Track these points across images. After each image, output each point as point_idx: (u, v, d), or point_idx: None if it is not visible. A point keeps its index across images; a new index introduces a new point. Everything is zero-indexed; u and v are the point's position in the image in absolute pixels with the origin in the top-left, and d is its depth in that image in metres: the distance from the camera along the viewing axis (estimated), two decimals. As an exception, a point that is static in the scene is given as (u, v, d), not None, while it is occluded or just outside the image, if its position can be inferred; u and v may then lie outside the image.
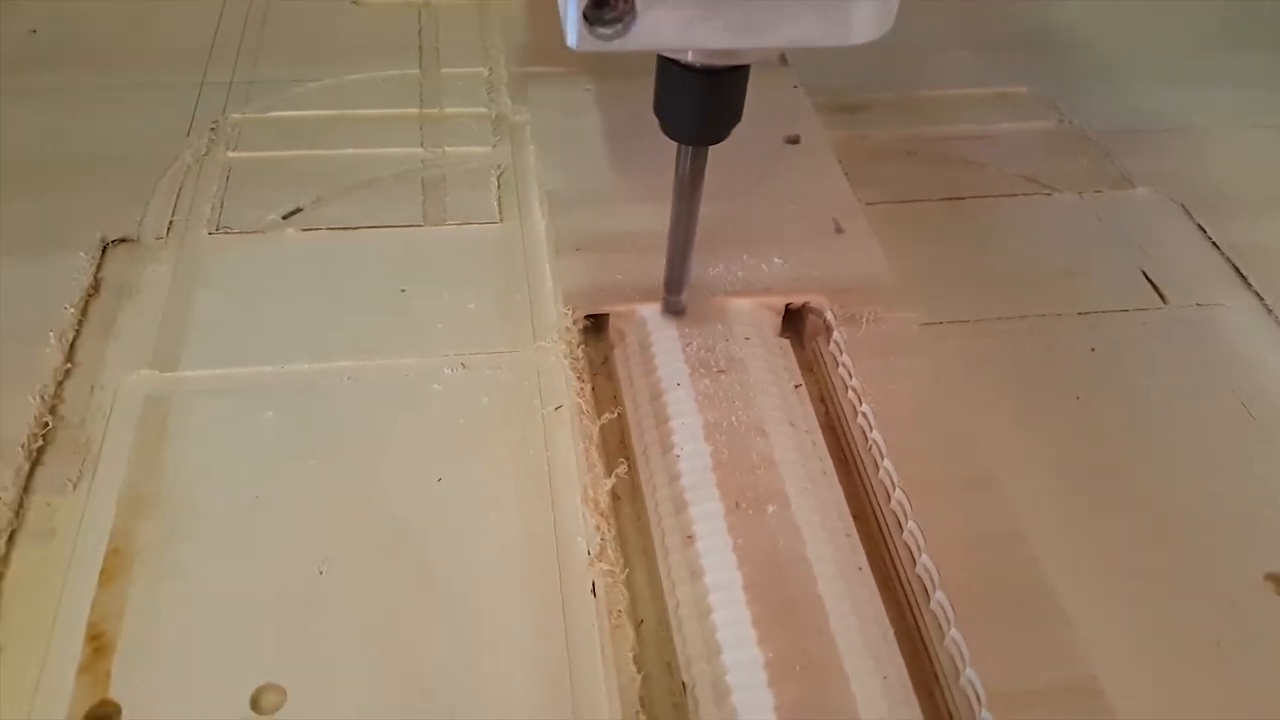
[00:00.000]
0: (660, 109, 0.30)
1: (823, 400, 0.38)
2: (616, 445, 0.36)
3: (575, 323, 0.38)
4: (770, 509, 0.32)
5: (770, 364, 0.37)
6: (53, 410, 0.36)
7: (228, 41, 0.56)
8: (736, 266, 0.40)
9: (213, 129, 0.50)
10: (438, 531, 0.33)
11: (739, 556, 0.30)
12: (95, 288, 0.41)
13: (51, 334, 0.38)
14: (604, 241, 0.40)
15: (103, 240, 0.43)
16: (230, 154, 0.49)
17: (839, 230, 0.42)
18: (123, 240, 0.43)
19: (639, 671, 0.29)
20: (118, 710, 0.29)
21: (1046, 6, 0.65)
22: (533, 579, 0.32)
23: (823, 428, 0.36)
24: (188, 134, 0.50)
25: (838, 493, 0.34)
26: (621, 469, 0.34)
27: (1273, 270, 0.45)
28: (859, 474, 0.35)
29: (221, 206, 0.45)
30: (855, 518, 0.33)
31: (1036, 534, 0.32)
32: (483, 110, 0.52)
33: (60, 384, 0.37)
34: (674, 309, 0.37)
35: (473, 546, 0.33)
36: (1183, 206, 0.48)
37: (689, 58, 0.28)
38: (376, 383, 0.38)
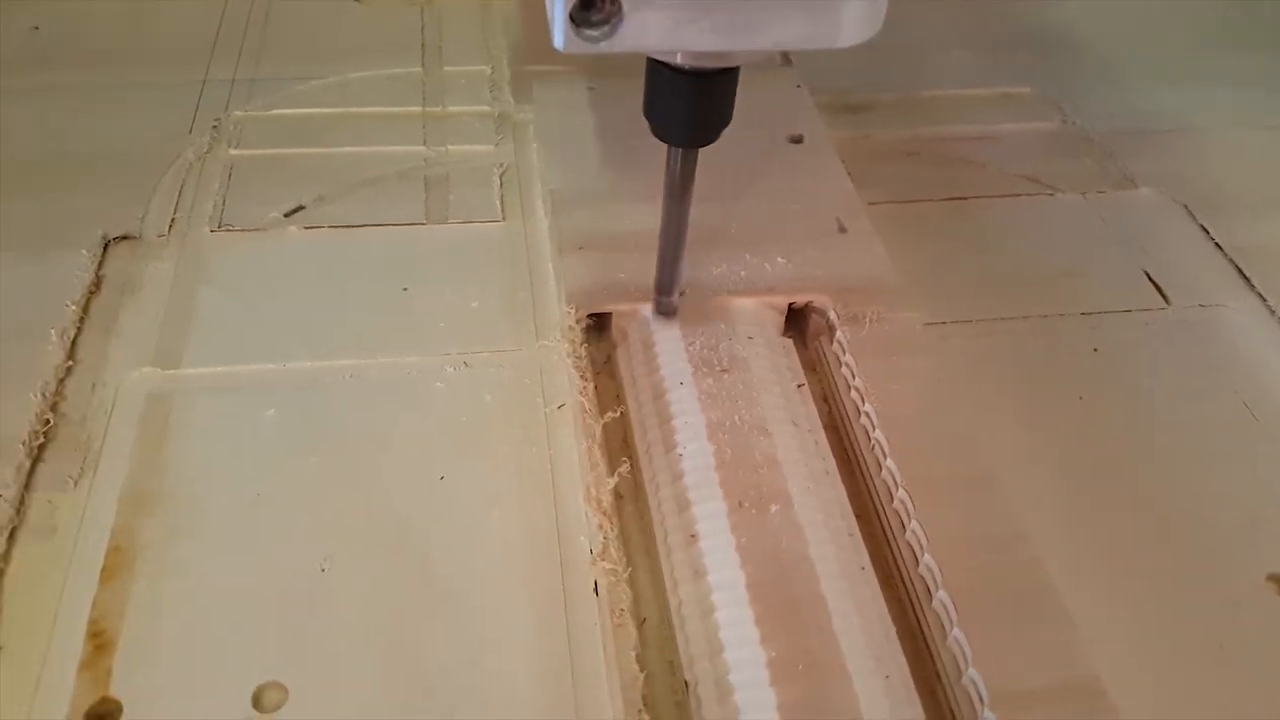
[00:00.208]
0: (650, 111, 0.30)
1: (825, 400, 0.38)
2: (619, 444, 0.36)
3: (578, 321, 0.38)
4: (773, 508, 0.32)
5: (773, 363, 0.37)
6: (54, 407, 0.36)
7: (230, 39, 0.56)
8: (739, 266, 0.40)
9: (215, 127, 0.50)
10: (440, 530, 0.33)
11: (742, 556, 0.30)
12: (97, 285, 0.41)
13: (53, 331, 0.38)
14: (607, 240, 0.40)
15: (105, 238, 0.43)
16: (232, 151, 0.49)
17: (842, 230, 0.42)
18: (125, 238, 0.43)
19: (641, 670, 0.29)
20: (119, 708, 0.29)
21: (1049, 7, 0.65)
22: (535, 577, 0.32)
23: (825, 427, 0.36)
24: (190, 131, 0.50)
25: (840, 492, 0.34)
26: (624, 468, 0.34)
27: (1275, 271, 0.45)
28: (862, 474, 0.35)
29: (224, 204, 0.45)
30: (858, 517, 0.33)
31: (1039, 534, 0.32)
32: (485, 109, 0.52)
33: (62, 381, 0.37)
34: (665, 310, 0.37)
35: (475, 545, 0.33)
36: (1185, 207, 0.48)
37: (678, 60, 0.28)
38: (379, 381, 0.38)
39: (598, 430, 0.35)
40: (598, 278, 0.39)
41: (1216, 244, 0.46)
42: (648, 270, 0.37)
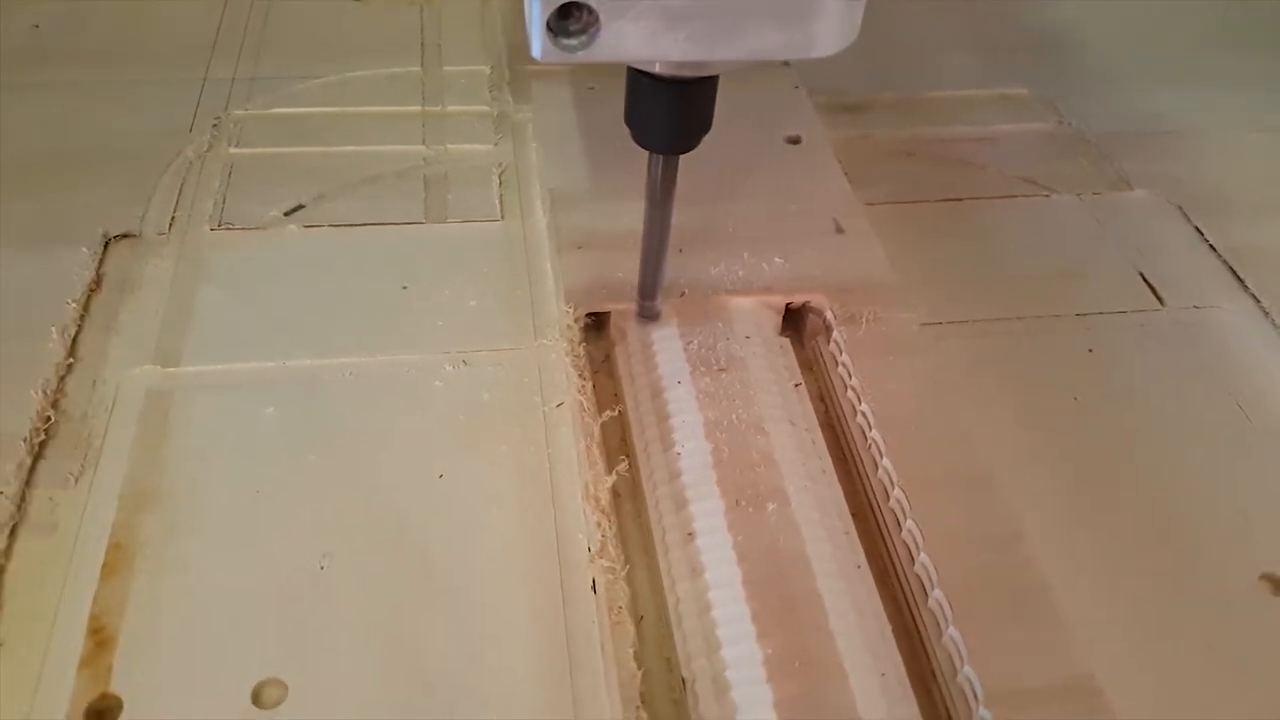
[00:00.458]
0: (631, 118, 0.31)
1: (822, 399, 0.38)
2: (617, 443, 0.36)
3: (576, 320, 0.38)
4: (770, 507, 0.32)
5: (770, 363, 0.37)
6: (55, 405, 0.36)
7: (230, 38, 0.56)
8: (737, 265, 0.40)
9: (215, 125, 0.50)
10: (439, 527, 0.33)
11: (739, 553, 0.31)
12: (97, 283, 0.41)
13: (54, 329, 0.39)
14: (605, 240, 0.40)
15: (105, 236, 0.43)
16: (232, 150, 0.49)
17: (839, 230, 0.42)
18: (125, 236, 0.44)
19: (639, 667, 0.30)
20: (119, 704, 0.29)
21: (1046, 9, 0.65)
22: (533, 575, 0.32)
23: (822, 426, 0.36)
24: (190, 130, 0.50)
25: (837, 491, 0.34)
26: (622, 466, 0.34)
27: (1269, 272, 0.45)
28: (858, 472, 0.35)
29: (223, 203, 0.46)
30: (854, 516, 0.34)
31: (1034, 533, 0.32)
32: (485, 108, 0.52)
33: (62, 379, 0.37)
34: (649, 314, 0.38)
35: (474, 542, 0.33)
36: (1180, 209, 0.49)
37: (658, 68, 0.29)
38: (378, 379, 0.38)
39: (596, 429, 0.35)
40: (596, 277, 0.39)
41: (1211, 245, 0.47)
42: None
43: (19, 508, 0.33)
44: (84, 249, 0.42)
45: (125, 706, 0.29)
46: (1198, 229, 0.48)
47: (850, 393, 0.36)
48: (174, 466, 0.35)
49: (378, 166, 0.48)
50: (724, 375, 0.36)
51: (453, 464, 0.35)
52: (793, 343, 0.39)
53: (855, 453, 0.36)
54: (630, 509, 0.35)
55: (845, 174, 0.45)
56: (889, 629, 0.30)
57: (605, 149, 0.45)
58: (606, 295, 0.38)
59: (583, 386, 0.36)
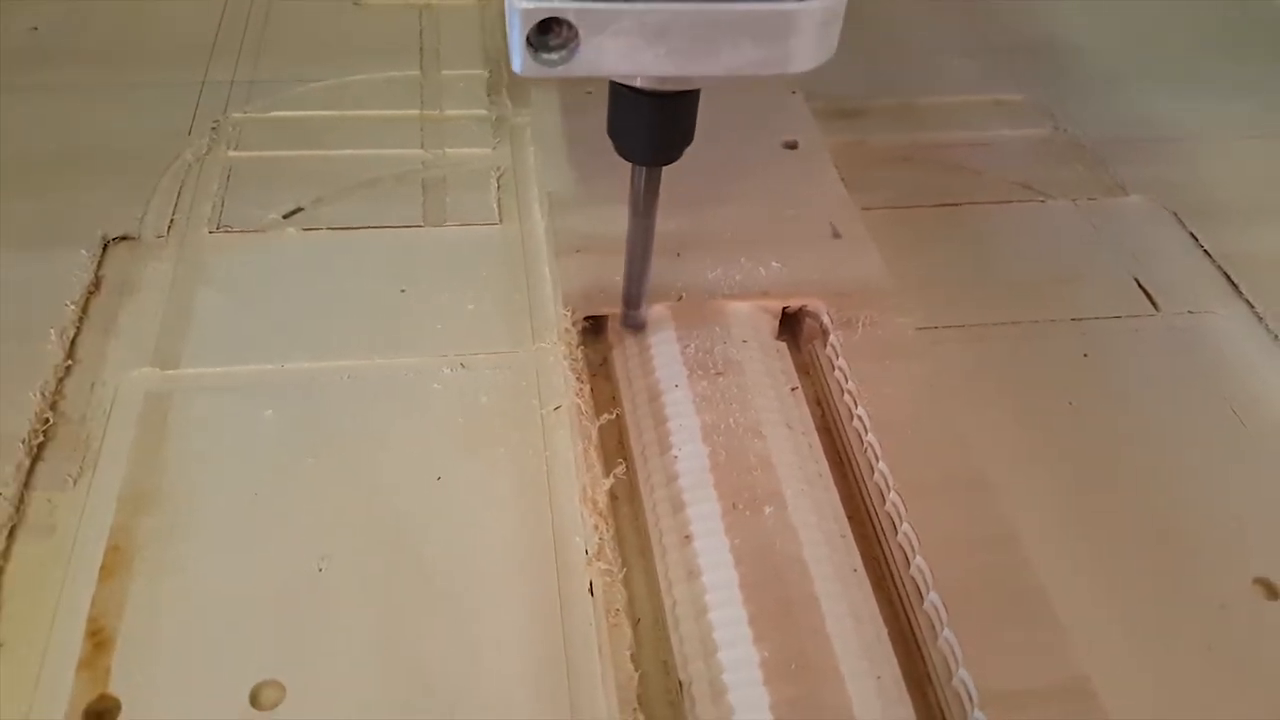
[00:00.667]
0: (613, 131, 0.31)
1: (819, 403, 0.38)
2: (615, 446, 0.36)
3: (574, 324, 0.38)
4: (767, 510, 0.32)
5: (767, 366, 0.37)
6: (53, 407, 0.36)
7: (229, 41, 0.56)
8: (734, 270, 0.40)
9: (214, 128, 0.50)
10: (437, 530, 0.33)
11: (736, 556, 0.31)
12: (96, 285, 0.41)
13: (52, 331, 0.39)
14: (603, 243, 0.40)
15: (104, 238, 0.43)
16: (231, 153, 0.49)
17: (836, 235, 0.42)
18: (124, 238, 0.44)
19: (636, 670, 0.30)
20: (117, 705, 0.29)
21: (1043, 15, 0.65)
22: (531, 578, 0.32)
23: (819, 430, 0.36)
24: (189, 133, 0.50)
25: (833, 494, 0.34)
26: (620, 469, 0.34)
27: (1263, 278, 0.45)
28: (855, 476, 0.35)
29: (222, 205, 0.46)
30: (851, 519, 0.34)
31: (1029, 536, 0.32)
32: (483, 112, 0.52)
33: (61, 381, 0.37)
34: (633, 324, 0.38)
35: (471, 545, 0.33)
36: (1175, 214, 0.49)
37: (639, 82, 0.29)
38: (376, 382, 0.38)
39: (594, 432, 0.35)
40: (594, 281, 0.39)
41: (1205, 251, 0.47)
42: (644, 273, 0.37)
43: (17, 509, 0.33)
44: (83, 251, 0.42)
45: (124, 708, 0.29)
46: (1192, 234, 0.48)
47: (847, 396, 0.37)
48: (172, 469, 0.35)
49: (376, 170, 0.48)
50: (721, 379, 0.36)
51: (451, 467, 0.35)
52: (789, 347, 0.39)
53: (852, 456, 0.36)
54: (628, 512, 0.35)
55: (842, 179, 0.45)
56: (885, 632, 0.30)
57: (603, 153, 0.45)
58: (604, 299, 0.38)
59: (580, 390, 0.36)
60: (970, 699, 0.28)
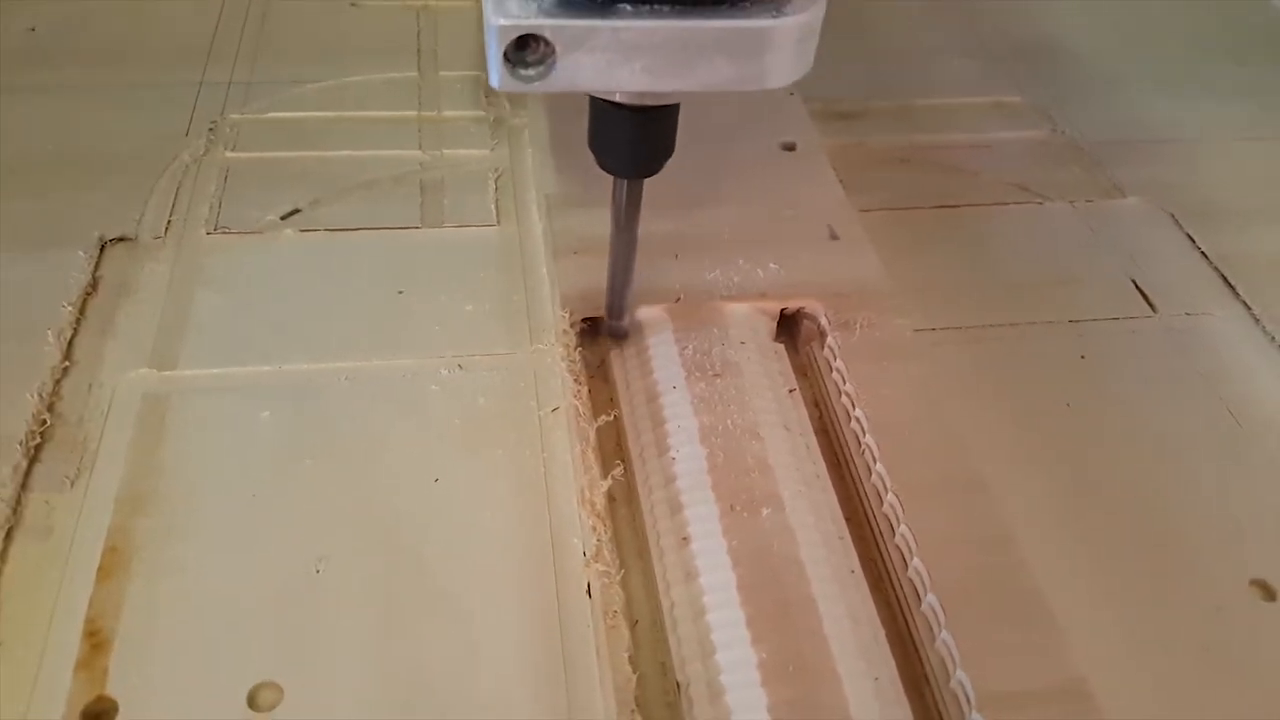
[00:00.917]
0: (594, 144, 0.31)
1: (817, 404, 0.38)
2: (613, 447, 0.36)
3: (572, 325, 0.38)
4: (765, 511, 0.32)
5: (765, 368, 0.37)
6: (51, 408, 0.36)
7: (226, 42, 0.56)
8: (732, 271, 0.40)
9: (211, 129, 0.50)
10: (434, 531, 0.33)
11: (733, 558, 0.31)
12: (94, 286, 0.41)
13: (50, 332, 0.39)
14: (601, 245, 0.40)
15: (101, 239, 0.43)
16: (229, 154, 0.49)
17: (834, 236, 0.42)
18: (121, 239, 0.44)
19: (634, 671, 0.30)
20: (115, 707, 0.29)
21: (1041, 17, 0.65)
22: (529, 579, 0.32)
23: (816, 432, 0.36)
24: (186, 134, 0.50)
25: (831, 496, 0.34)
26: (618, 471, 0.34)
27: (1260, 280, 0.45)
28: (852, 478, 0.35)
29: (220, 206, 0.46)
30: (848, 521, 0.34)
31: (1027, 538, 0.32)
32: (481, 113, 0.52)
33: (58, 382, 0.37)
34: (617, 333, 0.38)
35: (469, 547, 0.33)
36: (1172, 216, 0.49)
37: (618, 97, 0.29)
38: (373, 383, 0.38)
39: (591, 434, 0.35)
40: (592, 282, 0.39)
41: (1203, 253, 0.47)
42: (641, 275, 0.37)
43: (14, 511, 0.33)
44: (80, 252, 0.42)
45: (121, 709, 0.29)
46: (1190, 236, 0.48)
47: (844, 398, 0.37)
48: (170, 470, 0.35)
49: (374, 171, 0.48)
50: (719, 380, 0.36)
51: (448, 468, 0.35)
52: (787, 348, 0.39)
53: (849, 458, 0.36)
54: (625, 513, 0.35)
55: (840, 180, 0.45)
56: (883, 633, 0.31)
57: (601, 155, 0.45)
58: (602, 300, 0.38)
59: (578, 391, 0.36)
60: (968, 700, 0.28)
